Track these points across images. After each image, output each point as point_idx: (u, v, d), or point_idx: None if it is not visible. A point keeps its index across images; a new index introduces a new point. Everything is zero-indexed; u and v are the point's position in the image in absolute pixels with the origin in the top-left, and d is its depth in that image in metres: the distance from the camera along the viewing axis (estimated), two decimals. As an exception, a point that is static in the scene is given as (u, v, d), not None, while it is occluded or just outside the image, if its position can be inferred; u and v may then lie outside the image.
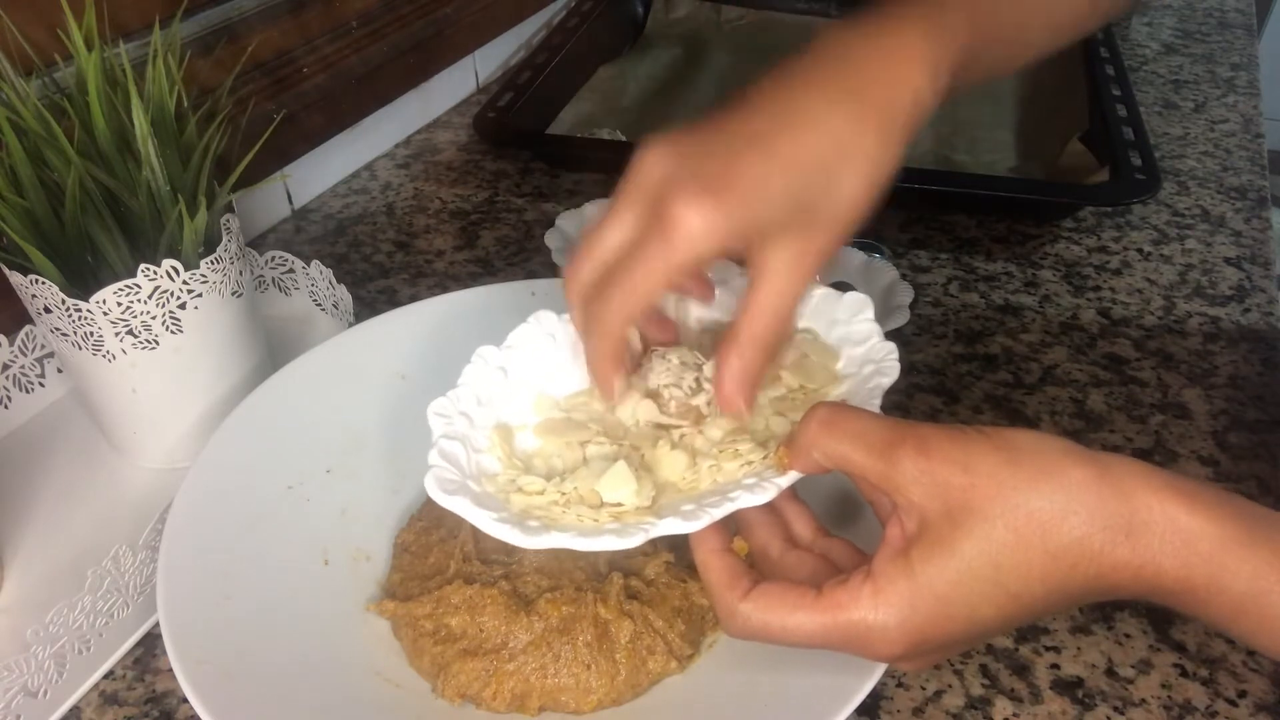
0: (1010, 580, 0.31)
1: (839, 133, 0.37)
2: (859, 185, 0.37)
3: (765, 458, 0.38)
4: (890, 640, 0.32)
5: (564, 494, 0.39)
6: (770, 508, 0.37)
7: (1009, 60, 0.46)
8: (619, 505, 0.38)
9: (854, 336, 0.43)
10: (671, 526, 0.36)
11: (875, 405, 0.38)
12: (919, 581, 0.32)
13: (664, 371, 0.42)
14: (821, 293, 0.45)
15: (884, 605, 0.32)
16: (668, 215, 0.35)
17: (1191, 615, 0.32)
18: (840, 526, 0.43)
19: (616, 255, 0.37)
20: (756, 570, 0.36)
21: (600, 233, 0.38)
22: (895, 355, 0.41)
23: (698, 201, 0.35)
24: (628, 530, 0.36)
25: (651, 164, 0.37)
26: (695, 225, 0.35)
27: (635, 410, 0.42)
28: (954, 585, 0.31)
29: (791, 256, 0.37)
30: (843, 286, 0.46)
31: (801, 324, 0.45)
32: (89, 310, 0.48)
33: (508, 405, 0.43)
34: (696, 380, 0.42)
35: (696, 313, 0.47)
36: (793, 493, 0.38)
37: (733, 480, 0.38)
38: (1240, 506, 0.30)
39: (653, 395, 0.42)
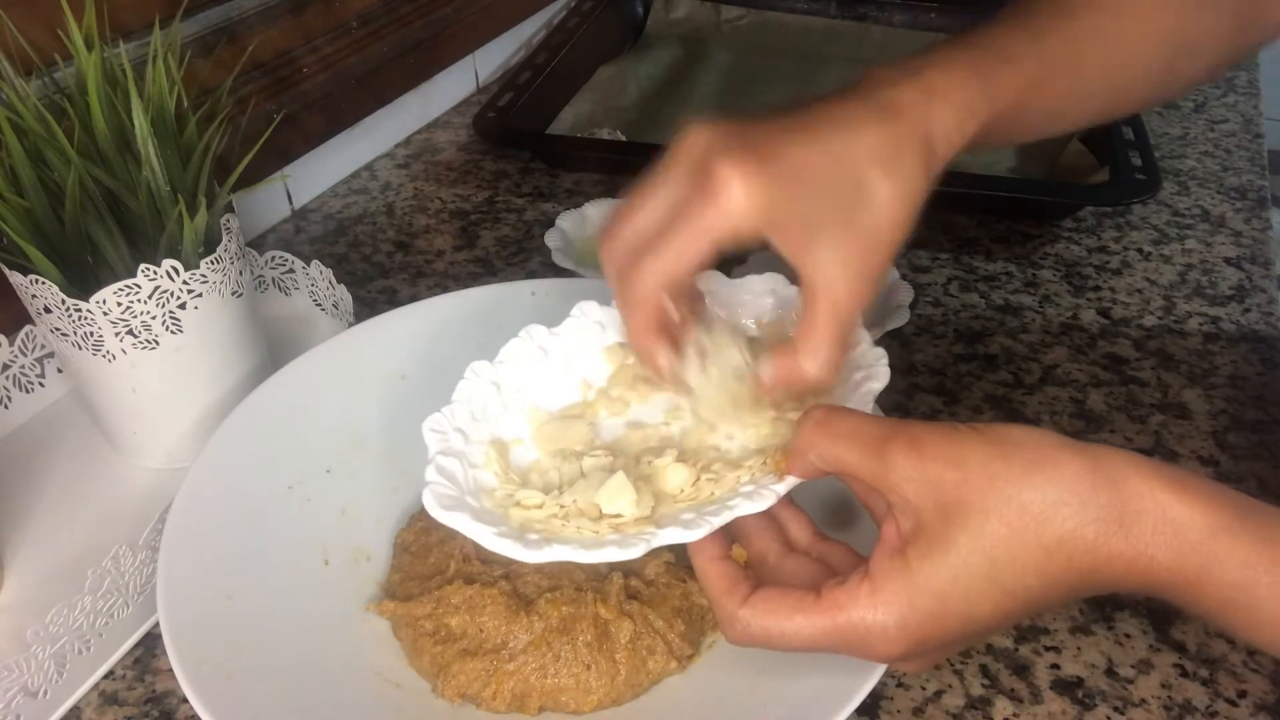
0: (1006, 576, 0.31)
1: (876, 144, 0.37)
2: (895, 200, 0.37)
3: (764, 463, 0.38)
4: (890, 640, 0.32)
5: (563, 507, 0.39)
6: (767, 514, 0.37)
7: (1055, 120, 0.45)
8: (618, 516, 0.38)
9: None
10: (672, 536, 0.36)
11: (867, 411, 0.38)
12: (916, 580, 0.32)
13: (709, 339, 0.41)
14: None
15: (882, 605, 0.32)
16: (713, 176, 0.35)
17: (1186, 608, 0.32)
18: (837, 532, 0.43)
19: (656, 223, 0.37)
20: (755, 576, 0.36)
21: (640, 199, 0.38)
22: (885, 361, 0.40)
23: (743, 165, 0.35)
24: (629, 541, 0.36)
25: (695, 137, 0.37)
26: (740, 189, 0.35)
27: (701, 377, 0.41)
28: (951, 582, 0.31)
29: (844, 259, 0.36)
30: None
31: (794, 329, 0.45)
32: (89, 310, 0.48)
33: (501, 420, 0.43)
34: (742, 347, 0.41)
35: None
36: (789, 498, 0.38)
37: (731, 489, 0.38)
38: (1231, 496, 0.31)
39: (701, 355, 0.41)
